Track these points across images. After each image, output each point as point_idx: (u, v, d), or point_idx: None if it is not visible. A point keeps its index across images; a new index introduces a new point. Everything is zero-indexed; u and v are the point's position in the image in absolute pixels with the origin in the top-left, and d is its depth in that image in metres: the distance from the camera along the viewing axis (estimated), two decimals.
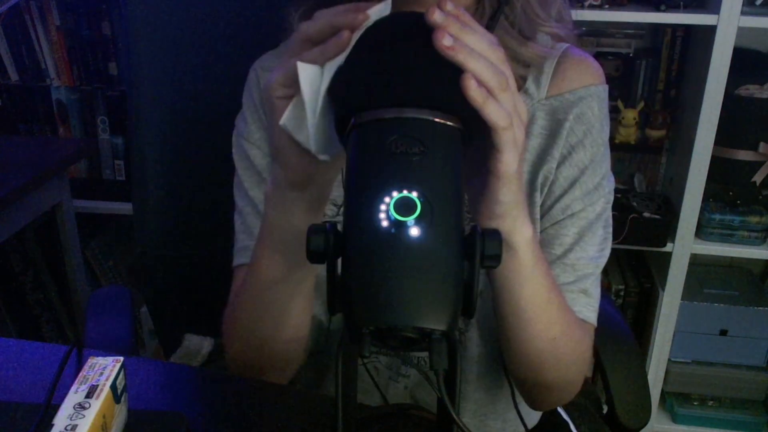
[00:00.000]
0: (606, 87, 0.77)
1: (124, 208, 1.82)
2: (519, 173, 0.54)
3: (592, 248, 0.75)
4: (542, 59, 0.75)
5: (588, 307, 0.75)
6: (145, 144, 1.04)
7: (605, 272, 1.75)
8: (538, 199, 0.76)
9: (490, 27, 0.66)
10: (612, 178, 0.78)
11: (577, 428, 0.92)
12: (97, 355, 0.65)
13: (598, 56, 1.67)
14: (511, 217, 0.57)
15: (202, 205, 1.11)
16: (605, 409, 0.95)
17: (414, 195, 0.41)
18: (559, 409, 0.93)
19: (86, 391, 0.60)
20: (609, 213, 0.77)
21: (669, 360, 1.79)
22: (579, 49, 0.79)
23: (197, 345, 1.05)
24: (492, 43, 0.49)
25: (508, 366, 0.76)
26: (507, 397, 0.85)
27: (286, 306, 0.70)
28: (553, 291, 0.67)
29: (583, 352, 0.74)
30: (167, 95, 1.05)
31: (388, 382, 0.83)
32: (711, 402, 1.85)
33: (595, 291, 0.76)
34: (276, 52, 0.83)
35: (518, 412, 0.83)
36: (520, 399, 0.83)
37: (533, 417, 0.90)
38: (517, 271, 0.62)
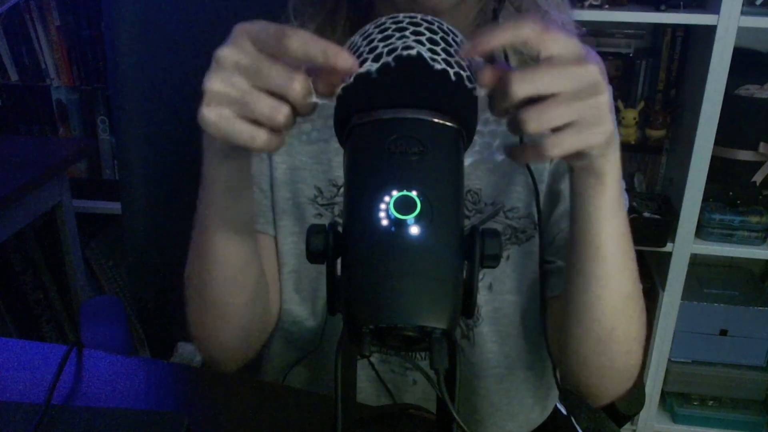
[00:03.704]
0: (610, 88, 0.78)
1: None
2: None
3: None
4: None
5: None
6: (132, 147, 1.03)
7: None
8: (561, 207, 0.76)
9: (496, 11, 0.66)
10: (624, 184, 0.78)
11: (576, 417, 0.92)
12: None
13: None
14: (610, 146, 0.56)
15: (192, 211, 1.10)
16: None
17: (414, 194, 0.41)
18: (559, 405, 0.93)
19: None
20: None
21: (669, 360, 1.79)
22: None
23: (190, 353, 1.05)
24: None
25: (573, 341, 0.71)
26: (522, 396, 0.86)
27: (234, 291, 0.71)
28: (630, 242, 0.66)
29: (643, 328, 0.71)
30: (155, 98, 1.03)
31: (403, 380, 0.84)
32: (711, 402, 1.85)
33: None
34: None
35: (557, 382, 0.81)
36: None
37: (535, 419, 0.90)
38: (603, 204, 0.60)
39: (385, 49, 0.46)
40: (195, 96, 1.14)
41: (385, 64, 0.45)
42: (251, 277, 0.72)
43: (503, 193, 0.78)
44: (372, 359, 0.82)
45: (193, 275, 0.72)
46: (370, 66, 0.46)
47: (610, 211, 0.61)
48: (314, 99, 0.49)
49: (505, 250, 0.79)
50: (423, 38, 0.46)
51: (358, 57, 0.47)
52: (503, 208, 0.78)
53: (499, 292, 0.79)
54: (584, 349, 0.70)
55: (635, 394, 0.92)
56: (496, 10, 0.69)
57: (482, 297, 0.79)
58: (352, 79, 0.46)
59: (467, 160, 0.52)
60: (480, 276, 0.75)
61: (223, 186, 0.62)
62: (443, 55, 0.46)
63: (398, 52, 0.46)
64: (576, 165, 0.58)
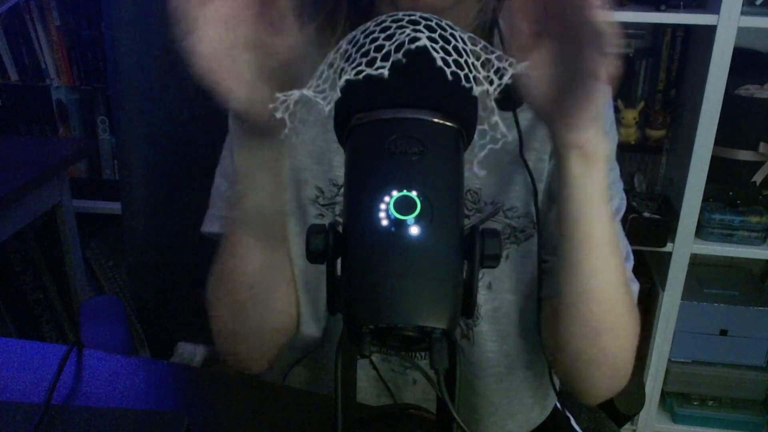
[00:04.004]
0: (609, 88, 0.78)
1: None
2: None
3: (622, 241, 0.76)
4: None
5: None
6: (132, 148, 1.03)
7: None
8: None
9: (496, 11, 0.66)
10: (622, 185, 0.79)
11: (576, 417, 0.92)
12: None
13: None
14: (597, 123, 0.59)
15: (192, 211, 1.10)
16: None
17: (414, 194, 0.41)
18: (559, 405, 0.93)
19: None
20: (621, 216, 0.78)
21: (669, 360, 1.79)
22: None
23: (190, 353, 1.05)
24: None
25: (567, 334, 0.71)
26: (521, 395, 0.86)
27: (267, 294, 0.71)
28: (616, 234, 0.67)
29: (635, 327, 0.72)
30: (155, 98, 1.03)
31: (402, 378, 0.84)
32: (711, 402, 1.85)
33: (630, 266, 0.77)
34: None
35: (554, 387, 0.81)
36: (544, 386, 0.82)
37: (536, 418, 0.90)
38: (595, 187, 0.61)
39: (393, 47, 0.46)
40: (195, 96, 1.15)
41: (395, 62, 0.45)
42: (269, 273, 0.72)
43: (502, 192, 0.78)
44: (372, 358, 0.82)
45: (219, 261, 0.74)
46: (381, 65, 0.45)
47: (598, 198, 0.63)
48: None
49: (505, 250, 0.79)
50: (423, 36, 0.46)
51: (363, 54, 0.47)
52: (503, 208, 0.78)
53: (498, 291, 0.80)
54: (578, 341, 0.71)
55: (635, 394, 0.92)
56: (495, 9, 0.69)
57: (481, 296, 0.79)
58: (361, 77, 0.46)
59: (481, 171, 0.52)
60: (479, 275, 0.75)
61: (255, 172, 0.63)
62: (441, 54, 0.46)
63: (406, 46, 0.46)
64: (568, 144, 0.60)
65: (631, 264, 0.77)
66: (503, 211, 0.78)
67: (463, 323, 0.80)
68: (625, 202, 0.78)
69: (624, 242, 0.77)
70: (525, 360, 0.84)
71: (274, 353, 0.80)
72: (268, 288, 0.71)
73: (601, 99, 0.57)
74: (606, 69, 0.53)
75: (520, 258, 0.79)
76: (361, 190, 0.43)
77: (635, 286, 0.76)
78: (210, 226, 0.82)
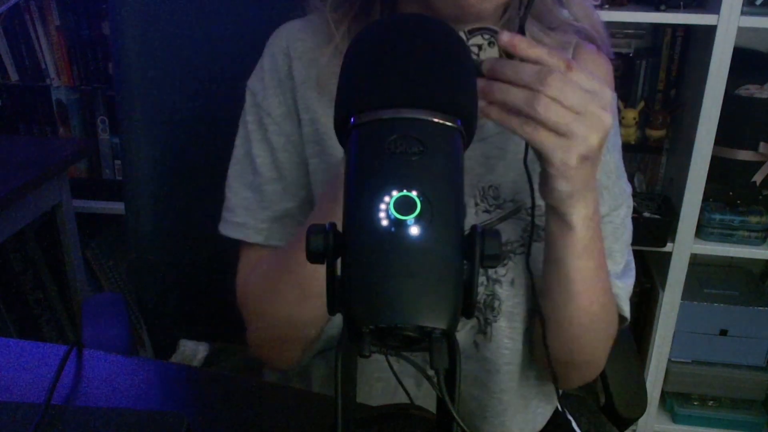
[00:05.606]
0: (615, 95, 0.78)
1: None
2: (586, 164, 0.60)
3: (625, 250, 0.80)
4: (567, 46, 0.78)
5: (623, 301, 0.81)
6: (136, 146, 1.03)
7: None
8: None
9: (522, 17, 0.67)
10: (630, 188, 0.80)
11: (576, 420, 0.92)
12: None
13: None
14: (571, 200, 0.63)
15: (196, 209, 1.10)
16: (602, 400, 0.96)
17: (414, 194, 0.41)
18: (560, 407, 0.93)
19: None
20: (630, 221, 0.80)
21: (669, 360, 1.79)
22: (592, 45, 0.80)
23: (192, 350, 1.04)
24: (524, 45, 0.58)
25: (547, 341, 0.76)
26: (532, 394, 0.86)
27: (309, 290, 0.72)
28: (602, 269, 0.72)
29: (611, 335, 0.78)
30: (159, 98, 1.03)
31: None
32: (711, 402, 1.85)
33: (630, 284, 0.82)
34: (305, 21, 0.81)
35: (556, 390, 0.83)
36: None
37: (539, 420, 0.90)
38: (571, 247, 0.67)
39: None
40: (199, 95, 1.15)
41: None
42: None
43: (524, 190, 0.77)
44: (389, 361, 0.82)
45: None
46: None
47: (579, 256, 0.68)
48: None
49: (526, 247, 0.79)
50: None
51: None
52: (525, 206, 0.78)
53: (520, 287, 0.79)
54: (558, 347, 0.76)
55: (637, 398, 0.92)
56: (522, 18, 0.69)
57: (504, 292, 0.79)
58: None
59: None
60: (503, 272, 0.78)
61: None
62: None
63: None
64: (549, 205, 0.66)
65: (632, 280, 0.83)
66: (525, 209, 0.78)
67: (482, 318, 0.80)
68: (632, 210, 0.79)
69: (629, 252, 0.81)
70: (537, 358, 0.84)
71: (303, 346, 0.80)
72: (312, 286, 0.72)
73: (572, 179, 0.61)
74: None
75: (542, 256, 0.79)
76: (361, 190, 0.43)
77: (630, 286, 0.82)
78: (226, 228, 0.83)
